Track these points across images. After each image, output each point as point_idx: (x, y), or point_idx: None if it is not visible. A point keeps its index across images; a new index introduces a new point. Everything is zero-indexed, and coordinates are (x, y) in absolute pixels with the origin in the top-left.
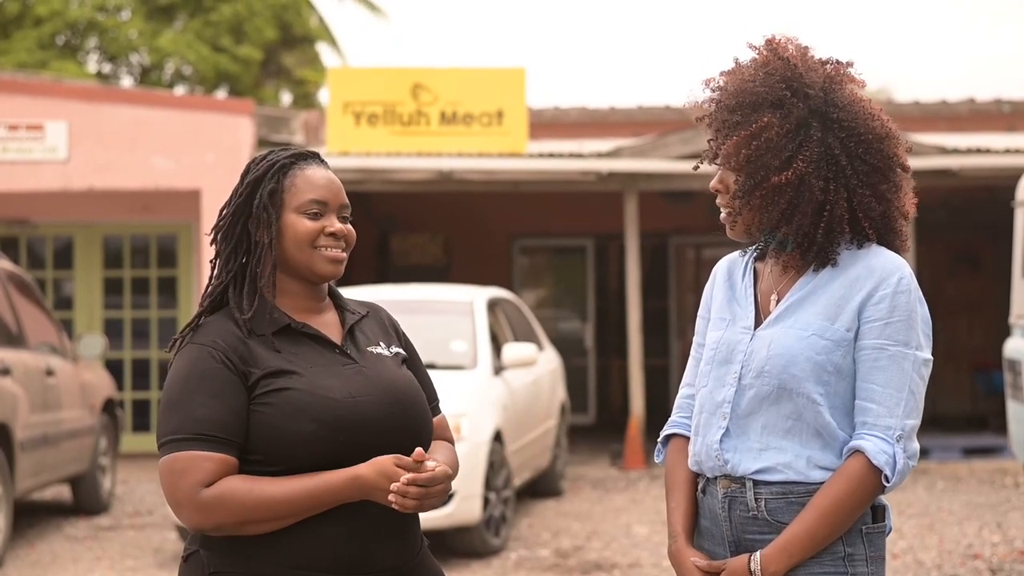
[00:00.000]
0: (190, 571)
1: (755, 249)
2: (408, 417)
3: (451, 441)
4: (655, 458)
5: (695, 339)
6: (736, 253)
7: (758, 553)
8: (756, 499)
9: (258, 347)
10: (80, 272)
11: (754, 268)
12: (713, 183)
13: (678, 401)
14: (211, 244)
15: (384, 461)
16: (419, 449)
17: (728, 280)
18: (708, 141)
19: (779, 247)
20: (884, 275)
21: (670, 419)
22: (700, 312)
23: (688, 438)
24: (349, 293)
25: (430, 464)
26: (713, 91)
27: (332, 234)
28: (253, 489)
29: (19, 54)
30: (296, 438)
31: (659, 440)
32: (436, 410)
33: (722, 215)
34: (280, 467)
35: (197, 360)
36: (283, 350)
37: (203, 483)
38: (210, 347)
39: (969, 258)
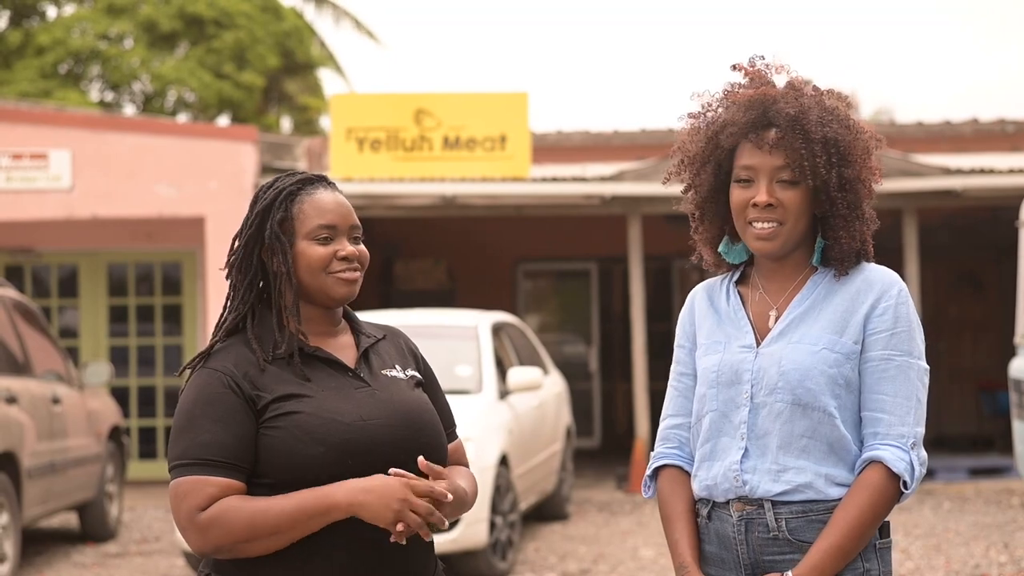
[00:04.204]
0: None
1: (735, 272)
2: (420, 440)
3: (467, 466)
4: (644, 493)
5: (676, 369)
6: (711, 280)
7: (789, 572)
8: (776, 519)
9: (272, 371)
10: (85, 300)
11: (738, 291)
12: (763, 197)
13: (663, 433)
14: (226, 277)
15: (376, 476)
16: (421, 459)
17: (711, 306)
18: (798, 152)
19: (822, 258)
20: (885, 287)
21: (656, 452)
22: (679, 342)
23: (678, 467)
24: (363, 317)
25: (440, 485)
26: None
27: (344, 258)
28: (245, 507)
29: (22, 84)
30: (304, 461)
31: (647, 475)
32: (453, 435)
33: (764, 228)
34: (290, 490)
35: (205, 385)
36: (295, 374)
37: (202, 507)
38: (220, 372)
39: (973, 279)
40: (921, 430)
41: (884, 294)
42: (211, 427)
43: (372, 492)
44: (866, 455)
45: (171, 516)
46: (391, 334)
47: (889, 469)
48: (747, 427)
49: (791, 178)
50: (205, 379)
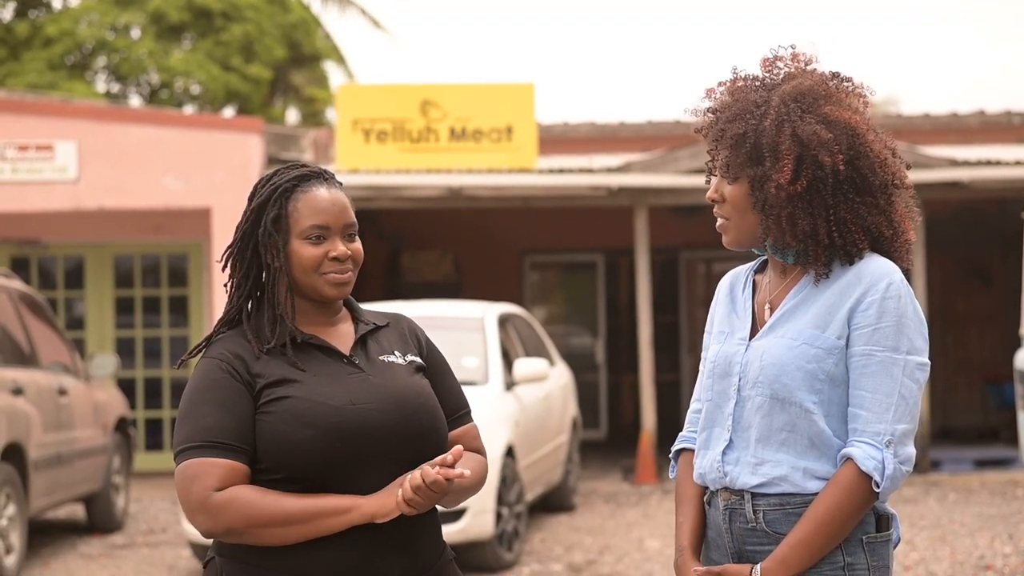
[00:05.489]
0: None
1: (757, 262)
2: (412, 424)
3: (481, 452)
4: (669, 474)
5: (703, 355)
6: (740, 268)
7: (758, 566)
8: (754, 511)
9: (266, 358)
10: (91, 292)
11: (754, 280)
12: (710, 193)
13: (689, 416)
14: (223, 269)
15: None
16: (450, 456)
17: (730, 294)
18: (708, 151)
19: (781, 258)
20: (873, 281)
21: (681, 434)
22: (707, 328)
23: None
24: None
25: (451, 471)
26: (712, 102)
27: (335, 258)
28: (266, 495)
29: (30, 75)
30: (295, 445)
31: (671, 456)
32: (466, 419)
33: (718, 223)
34: (283, 474)
35: (206, 372)
36: (289, 362)
37: (213, 487)
38: (217, 359)
39: (979, 271)
40: (905, 427)
41: (871, 288)
42: (214, 411)
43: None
44: (842, 452)
45: (178, 507)
46: (395, 320)
47: (859, 467)
48: (733, 419)
49: (731, 174)
50: (206, 367)
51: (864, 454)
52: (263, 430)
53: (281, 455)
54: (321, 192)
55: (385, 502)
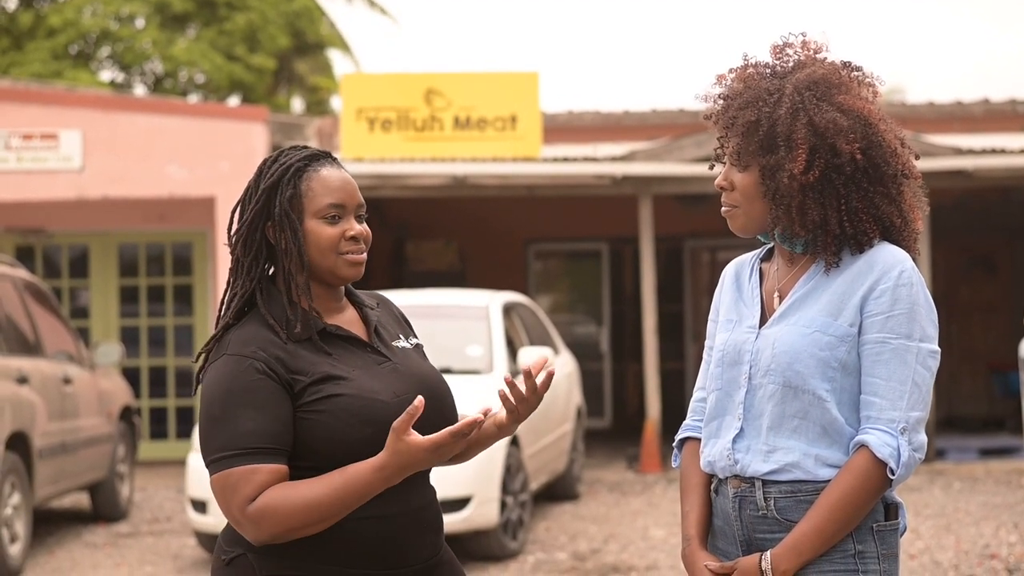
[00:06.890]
0: (237, 575)
1: (763, 249)
2: (442, 410)
3: None
4: (672, 463)
5: (706, 343)
6: (745, 255)
7: (768, 552)
8: (765, 498)
9: (299, 352)
10: (96, 281)
11: (760, 268)
12: (719, 180)
13: (692, 405)
14: (231, 252)
15: (405, 443)
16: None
17: (736, 282)
18: (718, 139)
19: (790, 247)
20: (885, 269)
21: (684, 423)
22: (711, 316)
23: (700, 440)
24: None
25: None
26: (723, 88)
27: (353, 237)
28: (290, 495)
29: (34, 65)
30: (352, 443)
31: (674, 445)
32: None
33: (723, 210)
34: (327, 470)
35: (237, 373)
36: (322, 355)
37: (252, 497)
38: (251, 358)
39: (984, 260)
40: (918, 414)
41: (884, 276)
42: (253, 415)
43: (400, 454)
44: (855, 439)
45: (182, 496)
46: (383, 302)
47: (874, 454)
48: (744, 408)
49: (741, 162)
50: (236, 366)
51: (880, 441)
52: (313, 429)
53: (335, 453)
54: (333, 172)
55: (412, 458)
